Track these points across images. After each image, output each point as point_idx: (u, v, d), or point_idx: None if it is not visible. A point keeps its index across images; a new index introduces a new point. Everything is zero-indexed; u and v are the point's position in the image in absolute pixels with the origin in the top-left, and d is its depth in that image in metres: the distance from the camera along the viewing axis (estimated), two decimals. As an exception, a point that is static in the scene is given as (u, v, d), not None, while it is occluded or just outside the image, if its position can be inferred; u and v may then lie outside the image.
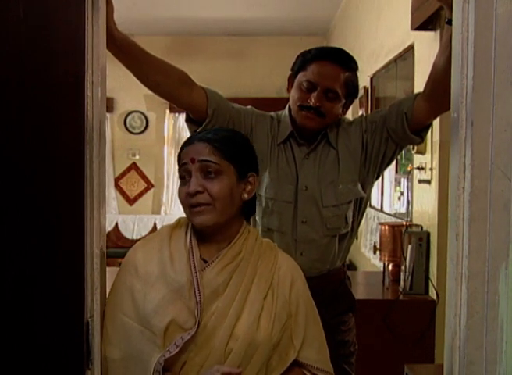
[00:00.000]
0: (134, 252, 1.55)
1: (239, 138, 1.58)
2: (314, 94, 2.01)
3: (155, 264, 1.48)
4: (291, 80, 2.12)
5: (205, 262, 1.49)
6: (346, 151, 2.10)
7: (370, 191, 2.21)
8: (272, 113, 2.18)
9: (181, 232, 1.54)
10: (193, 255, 1.48)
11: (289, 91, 2.13)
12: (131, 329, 1.44)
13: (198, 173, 1.48)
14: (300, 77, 2.05)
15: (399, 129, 2.03)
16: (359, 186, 2.10)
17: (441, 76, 1.83)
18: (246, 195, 1.54)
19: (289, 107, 2.13)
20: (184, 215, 1.55)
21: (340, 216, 2.08)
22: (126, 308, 1.46)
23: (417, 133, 2.05)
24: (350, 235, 2.16)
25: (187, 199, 1.48)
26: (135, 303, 1.46)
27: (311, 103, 2.01)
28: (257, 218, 2.10)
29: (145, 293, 1.45)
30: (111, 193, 7.66)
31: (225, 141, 1.51)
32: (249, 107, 2.16)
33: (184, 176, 1.50)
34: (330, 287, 2.13)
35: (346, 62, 2.07)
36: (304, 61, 2.06)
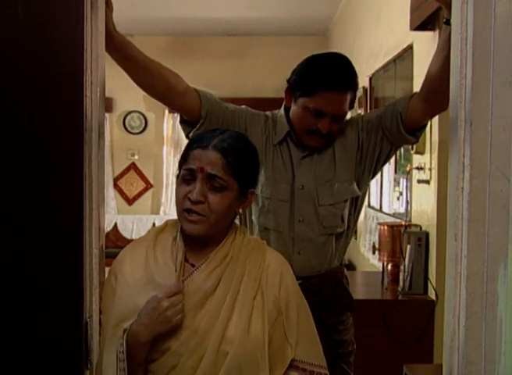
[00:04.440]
0: (122, 259, 1.53)
1: (250, 151, 1.55)
2: (323, 122, 1.99)
3: (142, 271, 1.48)
4: (290, 93, 2.07)
5: (193, 266, 1.49)
6: (343, 150, 2.10)
7: (366, 190, 2.21)
8: (268, 113, 2.17)
9: (168, 236, 1.53)
10: (178, 260, 1.47)
11: (287, 103, 2.09)
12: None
13: (204, 182, 1.45)
14: (306, 102, 2.00)
15: (394, 128, 2.03)
16: (355, 185, 2.11)
17: (438, 77, 1.82)
18: (241, 210, 1.54)
19: (285, 107, 2.12)
20: (174, 216, 1.55)
21: (336, 214, 2.09)
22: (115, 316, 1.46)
23: (413, 133, 2.05)
24: (346, 234, 2.16)
25: (185, 202, 1.46)
26: (124, 310, 1.45)
27: (322, 131, 1.99)
28: (253, 217, 2.10)
29: (134, 299, 1.44)
30: (110, 193, 7.65)
31: (238, 156, 1.48)
32: (243, 106, 2.15)
33: (187, 178, 1.48)
34: (328, 286, 2.14)
35: (350, 84, 2.03)
36: (306, 86, 2.00)
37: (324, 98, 1.97)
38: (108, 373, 1.39)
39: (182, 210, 1.47)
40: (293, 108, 2.06)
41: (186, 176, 1.47)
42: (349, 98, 2.01)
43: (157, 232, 1.55)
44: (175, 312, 1.37)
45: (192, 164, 1.46)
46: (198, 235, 1.48)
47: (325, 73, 1.99)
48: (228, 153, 1.46)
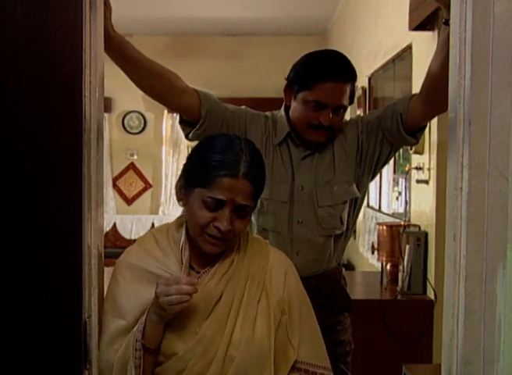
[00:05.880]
0: (127, 258, 1.54)
1: (264, 164, 1.53)
2: (325, 114, 1.98)
3: (148, 270, 1.48)
4: (289, 90, 2.07)
5: (197, 272, 1.48)
6: (342, 152, 2.10)
7: (365, 192, 2.21)
8: (267, 113, 2.16)
9: (171, 240, 1.52)
10: (183, 265, 1.47)
11: (287, 101, 2.08)
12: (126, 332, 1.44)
13: (232, 212, 1.42)
14: (306, 95, 1.99)
15: (394, 129, 2.03)
16: (354, 186, 2.10)
17: (437, 78, 1.82)
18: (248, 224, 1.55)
19: (285, 107, 2.11)
20: (173, 216, 1.54)
21: (335, 216, 2.08)
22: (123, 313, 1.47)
23: (413, 134, 2.05)
24: (345, 235, 2.16)
25: (210, 229, 1.43)
26: (132, 305, 1.46)
27: (324, 123, 1.99)
28: (252, 218, 2.09)
29: (141, 295, 1.45)
30: (109, 193, 7.65)
31: (262, 179, 1.48)
32: (243, 107, 2.14)
33: (212, 206, 1.42)
34: (326, 287, 2.13)
35: (349, 75, 2.03)
36: (306, 78, 2.00)
37: (324, 89, 1.97)
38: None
39: (203, 232, 1.45)
40: (293, 104, 2.06)
41: (210, 204, 1.42)
42: (348, 89, 2.01)
43: (158, 235, 1.55)
44: (166, 301, 1.35)
45: (221, 195, 1.41)
46: (217, 253, 1.48)
47: (324, 64, 2.01)
48: (256, 180, 1.44)
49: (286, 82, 2.10)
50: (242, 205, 1.43)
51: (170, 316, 1.40)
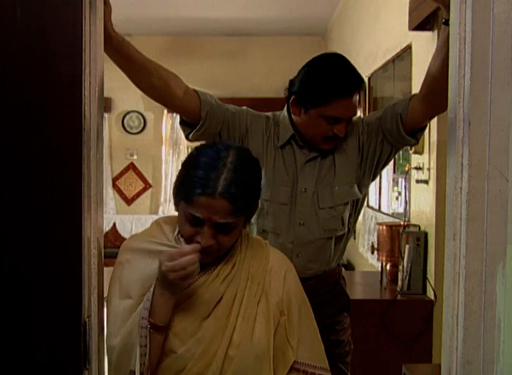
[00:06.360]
0: (130, 241, 1.57)
1: (255, 175, 1.50)
2: (340, 127, 1.99)
3: (147, 247, 1.51)
4: (297, 105, 2.03)
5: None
6: (343, 153, 2.10)
7: (366, 192, 2.20)
8: (269, 113, 2.15)
9: (173, 236, 1.53)
10: None
11: (295, 114, 2.05)
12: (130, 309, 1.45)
13: (213, 228, 1.41)
14: (322, 111, 1.97)
15: (394, 130, 2.03)
16: (355, 187, 2.10)
17: (437, 77, 1.82)
18: (247, 226, 1.55)
19: (288, 109, 2.10)
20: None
21: (337, 217, 2.08)
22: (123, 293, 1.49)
23: (413, 135, 2.04)
24: (346, 237, 2.16)
25: (192, 241, 1.43)
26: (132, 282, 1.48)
27: (340, 135, 2.00)
28: (252, 219, 2.09)
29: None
30: (108, 193, 7.65)
31: (246, 194, 1.43)
32: (244, 107, 2.13)
33: (193, 221, 1.42)
34: (325, 287, 2.13)
35: (360, 84, 2.03)
36: (321, 96, 1.97)
37: (340, 105, 1.96)
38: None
39: (189, 243, 1.45)
40: (303, 117, 2.03)
41: (191, 219, 1.42)
42: (358, 97, 2.02)
43: (164, 225, 1.56)
44: (176, 276, 1.36)
45: (198, 212, 1.40)
46: (206, 262, 1.47)
47: (337, 82, 1.97)
48: (236, 198, 1.40)
49: (287, 89, 2.07)
50: (221, 223, 1.41)
51: (183, 289, 1.40)
